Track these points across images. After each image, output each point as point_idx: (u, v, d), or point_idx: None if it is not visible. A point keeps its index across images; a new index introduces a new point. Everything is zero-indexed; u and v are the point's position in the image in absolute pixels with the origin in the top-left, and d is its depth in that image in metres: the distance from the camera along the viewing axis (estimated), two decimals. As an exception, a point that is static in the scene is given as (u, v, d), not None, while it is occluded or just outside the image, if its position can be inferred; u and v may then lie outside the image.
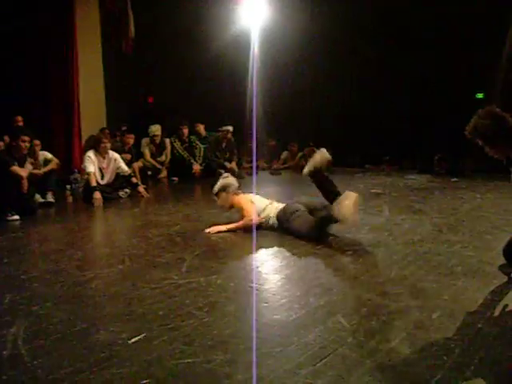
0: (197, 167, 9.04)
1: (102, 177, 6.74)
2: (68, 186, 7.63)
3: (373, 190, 6.83)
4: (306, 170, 4.12)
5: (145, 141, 9.13)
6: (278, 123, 10.25)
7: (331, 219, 3.88)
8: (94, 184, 6.44)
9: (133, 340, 2.22)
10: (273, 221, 4.43)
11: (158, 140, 9.05)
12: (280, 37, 9.66)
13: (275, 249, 3.89)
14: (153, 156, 9.05)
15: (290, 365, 1.97)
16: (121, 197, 6.74)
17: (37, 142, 6.28)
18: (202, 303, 2.66)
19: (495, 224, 4.57)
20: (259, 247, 3.85)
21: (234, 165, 9.42)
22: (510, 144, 3.09)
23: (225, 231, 4.40)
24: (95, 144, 6.84)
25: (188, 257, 3.62)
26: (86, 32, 9.13)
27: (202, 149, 9.33)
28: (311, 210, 4.22)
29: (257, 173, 9.82)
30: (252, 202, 4.53)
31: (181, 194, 7.62)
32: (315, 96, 10.39)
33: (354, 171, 9.39)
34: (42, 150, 6.44)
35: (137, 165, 8.32)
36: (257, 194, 4.85)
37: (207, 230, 4.42)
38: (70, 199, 7.08)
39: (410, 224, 4.67)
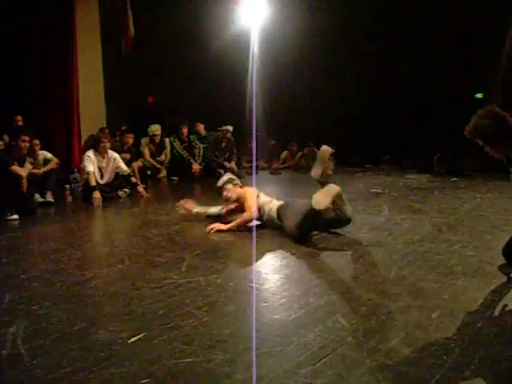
0: (196, 167, 9.04)
1: (102, 176, 6.74)
2: (67, 186, 7.63)
3: (373, 190, 6.83)
4: (314, 173, 4.06)
5: (144, 140, 9.12)
6: (278, 123, 10.26)
7: (311, 213, 3.87)
8: (93, 183, 6.44)
9: (132, 339, 2.22)
10: (273, 212, 4.41)
11: (157, 140, 9.05)
12: (280, 36, 9.66)
13: (275, 249, 3.89)
14: (152, 156, 9.05)
15: (289, 364, 1.97)
16: (120, 196, 6.74)
17: (36, 141, 6.28)
18: (202, 303, 2.66)
19: (495, 223, 4.56)
20: (259, 247, 3.85)
21: (233, 164, 9.42)
22: (510, 144, 3.09)
23: (226, 230, 4.39)
24: (95, 143, 6.84)
25: (188, 256, 3.62)
26: (86, 32, 9.12)
27: (202, 148, 9.33)
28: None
29: (256, 172, 9.82)
30: (257, 196, 4.53)
31: (180, 193, 7.61)
32: (315, 95, 10.40)
33: (354, 171, 9.39)
34: (41, 149, 6.44)
35: (136, 164, 8.32)
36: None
37: (208, 228, 4.41)
38: (70, 199, 7.08)
39: (410, 224, 4.66)
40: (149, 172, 8.93)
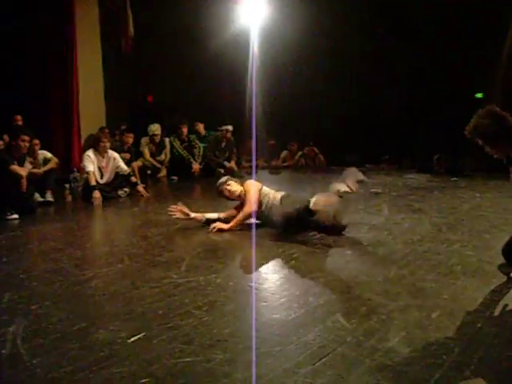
0: (196, 166, 9.04)
1: (102, 176, 6.73)
2: (67, 185, 7.63)
3: (372, 190, 6.82)
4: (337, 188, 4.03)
5: (144, 140, 9.12)
6: (278, 122, 10.25)
7: (303, 210, 3.92)
8: (93, 183, 6.45)
9: (132, 339, 2.22)
10: (277, 201, 4.41)
11: (157, 139, 9.05)
12: (279, 36, 9.66)
13: (274, 248, 3.89)
14: (152, 155, 9.05)
15: (289, 364, 1.97)
16: (120, 196, 6.74)
17: (36, 141, 6.28)
18: (202, 302, 2.66)
19: (494, 223, 4.57)
20: (259, 247, 3.85)
21: (233, 164, 9.42)
22: (510, 143, 3.09)
23: (227, 230, 4.38)
24: (94, 143, 6.84)
25: (187, 256, 3.62)
26: (86, 31, 9.13)
27: (202, 148, 9.33)
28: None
29: (256, 172, 9.82)
30: (260, 190, 4.52)
31: (180, 193, 7.62)
32: (315, 95, 10.40)
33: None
34: (41, 149, 6.45)
35: (136, 164, 8.32)
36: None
37: (210, 228, 4.39)
38: (70, 198, 7.07)
39: (410, 223, 4.67)
40: (149, 171, 8.94)
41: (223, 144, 9.50)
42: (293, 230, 4.14)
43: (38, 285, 3.06)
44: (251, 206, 4.38)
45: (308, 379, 1.86)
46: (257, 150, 9.98)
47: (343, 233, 4.18)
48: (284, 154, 10.86)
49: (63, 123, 8.87)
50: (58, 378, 1.90)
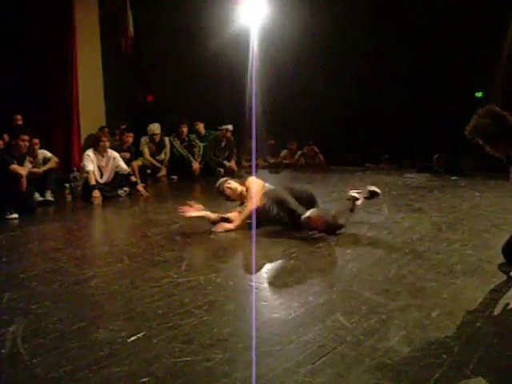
0: (196, 165, 9.04)
1: (101, 175, 6.74)
2: (67, 185, 7.63)
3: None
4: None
5: (144, 139, 9.12)
6: (278, 122, 10.24)
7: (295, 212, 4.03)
8: (93, 182, 6.45)
9: (132, 338, 2.22)
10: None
11: (157, 139, 9.05)
12: (279, 35, 9.65)
13: (274, 248, 3.89)
14: (152, 155, 9.05)
15: (289, 363, 1.97)
16: (120, 195, 6.74)
17: (36, 140, 6.28)
18: (202, 302, 2.66)
19: (494, 222, 4.56)
20: (259, 246, 3.85)
21: (233, 163, 9.43)
22: (510, 143, 3.09)
23: (234, 229, 4.35)
24: (94, 142, 6.84)
25: (187, 255, 3.62)
26: (86, 31, 9.13)
27: (202, 147, 9.33)
28: (296, 198, 4.23)
29: (256, 171, 9.81)
30: (263, 187, 4.52)
31: (180, 192, 7.62)
32: (315, 95, 10.38)
33: (354, 170, 9.39)
34: (41, 148, 6.44)
35: (136, 163, 8.31)
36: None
37: (213, 229, 4.37)
38: (69, 198, 7.08)
39: (410, 222, 4.67)
40: (148, 171, 8.94)
41: (223, 143, 9.50)
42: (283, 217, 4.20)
43: (37, 284, 3.06)
44: (255, 201, 4.36)
45: (308, 378, 1.86)
46: (257, 150, 9.97)
47: (343, 232, 4.19)
48: (284, 153, 10.86)
49: (63, 123, 8.88)
50: (57, 377, 1.90)
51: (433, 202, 5.87)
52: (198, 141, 9.41)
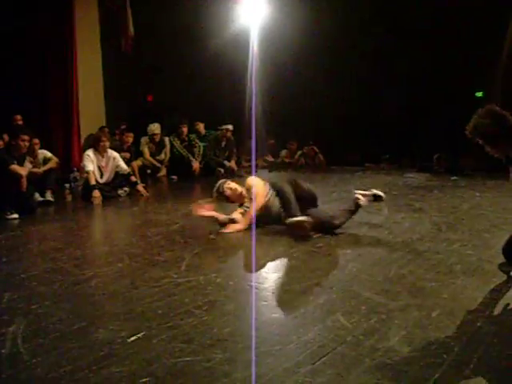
0: (196, 165, 9.04)
1: (101, 175, 6.74)
2: (67, 185, 7.64)
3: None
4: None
5: (144, 139, 9.12)
6: (278, 122, 10.25)
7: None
8: (93, 183, 6.45)
9: (132, 338, 2.22)
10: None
11: (157, 139, 9.05)
12: (279, 35, 9.65)
13: (274, 247, 3.89)
14: (152, 155, 9.05)
15: (289, 363, 1.97)
16: (120, 195, 6.74)
17: (36, 140, 6.28)
18: (202, 302, 2.66)
19: (494, 222, 4.56)
20: (259, 246, 3.85)
21: (233, 163, 9.43)
22: (510, 143, 3.09)
23: (243, 229, 4.33)
24: (94, 143, 6.84)
25: (187, 255, 3.62)
26: (86, 31, 9.14)
27: (202, 147, 9.33)
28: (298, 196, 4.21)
29: (256, 171, 9.81)
30: (264, 185, 4.52)
31: (180, 192, 7.63)
32: (314, 94, 10.39)
33: (354, 170, 9.39)
34: (41, 148, 6.45)
35: (136, 163, 8.31)
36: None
37: (222, 230, 4.33)
38: (69, 198, 7.08)
39: (410, 222, 4.66)
40: (148, 171, 8.94)
41: (223, 143, 9.49)
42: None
43: (37, 284, 3.06)
44: (260, 199, 4.35)
45: (308, 378, 1.86)
46: (257, 150, 9.97)
47: (343, 232, 4.19)
48: (283, 152, 10.86)
49: (63, 123, 8.88)
50: (57, 377, 1.90)
51: (433, 201, 5.87)
52: (198, 141, 9.41)
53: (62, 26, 8.74)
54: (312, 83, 10.11)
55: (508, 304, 2.59)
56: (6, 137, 7.06)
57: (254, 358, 2.00)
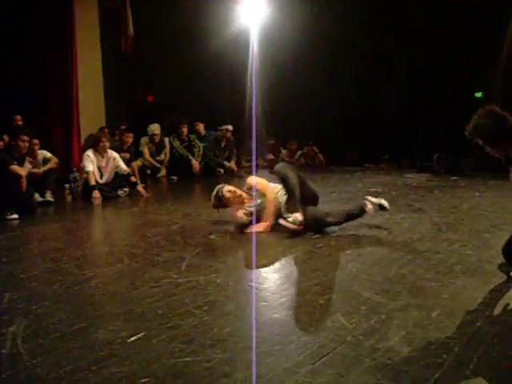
0: (196, 164, 9.04)
1: (101, 176, 6.74)
2: (67, 185, 7.63)
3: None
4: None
5: (144, 140, 9.12)
6: (277, 122, 10.25)
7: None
8: (93, 183, 6.45)
9: (132, 339, 2.22)
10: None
11: (157, 139, 9.06)
12: (279, 35, 9.65)
13: (274, 248, 3.89)
14: (152, 155, 9.05)
15: (289, 363, 1.97)
16: (120, 196, 6.74)
17: (35, 141, 6.29)
18: (202, 302, 2.66)
19: (494, 222, 4.57)
20: (259, 246, 3.85)
21: (233, 164, 9.43)
22: (510, 143, 3.09)
23: (268, 228, 4.32)
24: (94, 143, 6.84)
25: (187, 255, 3.62)
26: (86, 31, 9.13)
27: (201, 148, 9.34)
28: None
29: (256, 171, 9.81)
30: (267, 181, 4.61)
31: (180, 192, 7.63)
32: (314, 94, 10.39)
33: (354, 170, 9.39)
34: (40, 149, 6.45)
35: (136, 164, 8.31)
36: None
37: (248, 230, 4.29)
38: (69, 198, 7.08)
39: (410, 223, 4.66)
40: (148, 171, 8.94)
41: (223, 144, 9.50)
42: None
43: (37, 285, 3.06)
44: (270, 192, 4.42)
45: (308, 378, 1.86)
46: (257, 150, 9.97)
47: (343, 232, 4.19)
48: (283, 153, 10.86)
49: (63, 123, 8.88)
50: (58, 377, 1.90)
51: (433, 202, 5.87)
52: (197, 141, 9.41)
53: (61, 26, 8.74)
54: (312, 83, 10.11)
55: (508, 304, 2.60)
56: (5, 137, 7.06)
57: (254, 358, 2.00)
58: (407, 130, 9.74)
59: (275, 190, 4.47)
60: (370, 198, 4.45)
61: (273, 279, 3.17)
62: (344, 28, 9.71)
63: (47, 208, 6.03)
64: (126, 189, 6.83)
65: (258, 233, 4.19)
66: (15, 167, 5.56)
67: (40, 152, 6.41)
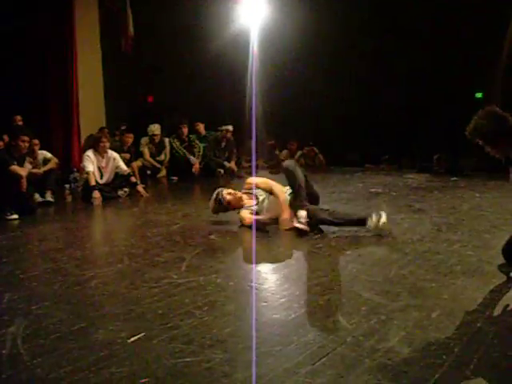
0: (196, 163, 9.03)
1: (101, 176, 6.74)
2: (67, 186, 7.64)
3: (372, 190, 6.83)
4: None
5: (144, 140, 9.13)
6: (277, 122, 10.25)
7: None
8: (93, 183, 6.45)
9: (132, 339, 2.22)
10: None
11: (157, 139, 9.06)
12: (279, 35, 9.65)
13: (274, 248, 3.89)
14: (152, 155, 9.05)
15: (289, 364, 1.97)
16: (120, 196, 6.74)
17: (36, 141, 6.29)
18: (202, 302, 2.66)
19: (494, 223, 4.57)
20: (259, 247, 3.85)
21: (233, 164, 9.43)
22: (510, 144, 3.09)
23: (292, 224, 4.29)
24: (94, 143, 6.85)
25: (187, 256, 3.62)
26: (86, 31, 9.14)
27: (202, 148, 9.34)
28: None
29: (256, 172, 9.81)
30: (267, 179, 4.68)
31: (180, 193, 7.63)
32: (314, 94, 10.39)
33: (354, 170, 9.39)
34: (41, 149, 6.45)
35: (136, 164, 8.32)
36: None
37: (284, 228, 4.32)
38: (69, 198, 7.08)
39: (410, 223, 4.66)
40: (148, 172, 8.94)
41: (223, 144, 9.50)
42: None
43: (37, 285, 3.06)
44: (276, 185, 4.53)
45: (308, 379, 1.86)
46: (257, 150, 9.97)
47: (343, 232, 4.19)
48: (284, 153, 10.86)
49: (63, 123, 8.88)
50: (58, 378, 1.90)
51: (433, 202, 5.87)
52: (198, 141, 9.41)
53: (62, 26, 8.74)
54: (312, 83, 10.10)
55: (508, 304, 2.60)
56: (5, 137, 7.06)
57: (254, 358, 2.00)
58: (407, 130, 9.73)
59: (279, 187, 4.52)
60: (375, 217, 4.16)
61: (273, 279, 3.17)
62: (344, 28, 9.72)
63: (47, 208, 6.03)
64: (126, 189, 6.83)
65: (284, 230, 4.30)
66: (15, 167, 5.56)
67: (40, 152, 6.41)
